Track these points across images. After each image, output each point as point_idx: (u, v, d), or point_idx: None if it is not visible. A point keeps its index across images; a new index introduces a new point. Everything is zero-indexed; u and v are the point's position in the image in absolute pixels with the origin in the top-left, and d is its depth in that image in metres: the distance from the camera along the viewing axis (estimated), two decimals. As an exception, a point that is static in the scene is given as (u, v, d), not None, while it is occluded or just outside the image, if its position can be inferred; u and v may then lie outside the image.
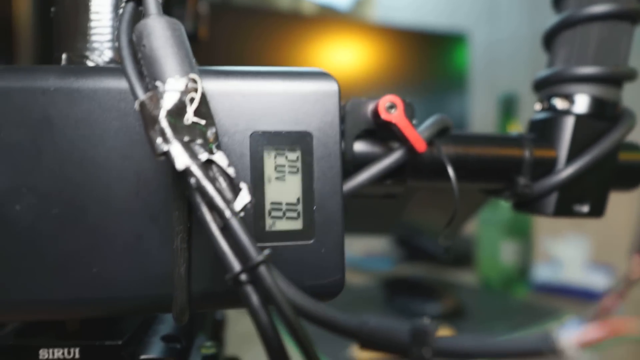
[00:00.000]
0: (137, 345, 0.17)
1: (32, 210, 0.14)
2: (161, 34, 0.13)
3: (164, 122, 0.12)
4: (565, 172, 0.20)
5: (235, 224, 0.11)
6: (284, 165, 0.15)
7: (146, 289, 0.14)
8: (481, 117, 0.97)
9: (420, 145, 0.18)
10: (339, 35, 0.89)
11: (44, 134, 0.14)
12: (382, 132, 0.19)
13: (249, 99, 0.15)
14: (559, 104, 0.22)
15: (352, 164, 0.19)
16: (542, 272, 0.76)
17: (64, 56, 0.19)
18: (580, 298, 0.66)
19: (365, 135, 0.19)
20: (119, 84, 0.14)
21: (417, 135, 0.18)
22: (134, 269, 0.14)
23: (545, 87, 0.23)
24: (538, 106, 0.23)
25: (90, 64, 0.19)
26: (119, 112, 0.14)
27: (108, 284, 0.14)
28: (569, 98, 0.22)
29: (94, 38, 0.19)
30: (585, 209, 0.21)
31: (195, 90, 0.13)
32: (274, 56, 0.76)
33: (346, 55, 0.90)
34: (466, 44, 0.91)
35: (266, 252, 0.11)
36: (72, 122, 0.14)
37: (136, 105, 0.12)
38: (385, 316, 0.58)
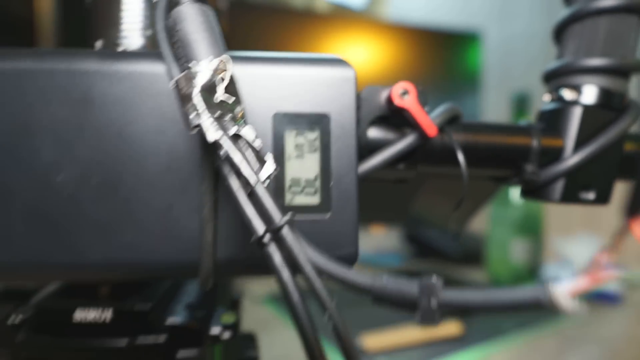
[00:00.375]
0: (164, 311, 0.18)
1: (74, 180, 0.15)
2: (194, 19, 0.14)
3: (197, 99, 0.13)
4: (572, 159, 0.21)
5: (260, 191, 0.12)
6: (303, 145, 0.16)
7: (175, 255, 0.15)
8: (494, 116, 0.97)
9: (431, 130, 0.19)
10: (352, 34, 0.90)
11: (85, 112, 0.15)
12: (395, 118, 0.20)
13: (272, 82, 0.16)
14: (567, 94, 0.22)
15: (366, 149, 0.20)
16: (553, 272, 0.76)
17: (98, 43, 0.20)
18: (591, 298, 0.66)
19: (379, 121, 0.20)
20: (153, 67, 0.16)
21: (429, 121, 0.19)
22: (165, 237, 0.15)
23: (554, 78, 0.23)
24: (547, 97, 0.24)
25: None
26: (153, 93, 0.16)
27: (140, 249, 0.15)
28: (577, 89, 0.22)
29: (125, 27, 0.20)
30: (591, 196, 0.22)
31: (225, 70, 0.14)
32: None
33: (359, 54, 0.91)
34: (479, 42, 0.91)
35: (289, 215, 0.12)
36: (110, 101, 0.15)
37: (172, 84, 0.13)
38: (397, 316, 0.59)
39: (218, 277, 0.16)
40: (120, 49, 0.20)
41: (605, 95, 0.22)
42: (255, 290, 0.66)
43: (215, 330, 0.19)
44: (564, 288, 0.09)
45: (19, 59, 0.15)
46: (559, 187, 0.22)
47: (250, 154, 0.13)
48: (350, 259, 0.16)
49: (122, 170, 0.15)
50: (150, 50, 0.18)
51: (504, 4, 1.07)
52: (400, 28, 0.95)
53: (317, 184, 0.16)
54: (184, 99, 0.13)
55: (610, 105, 0.22)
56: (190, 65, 0.14)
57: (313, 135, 0.16)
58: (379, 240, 1.09)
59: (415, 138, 0.19)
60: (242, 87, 0.16)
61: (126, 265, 0.15)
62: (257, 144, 0.13)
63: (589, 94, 0.22)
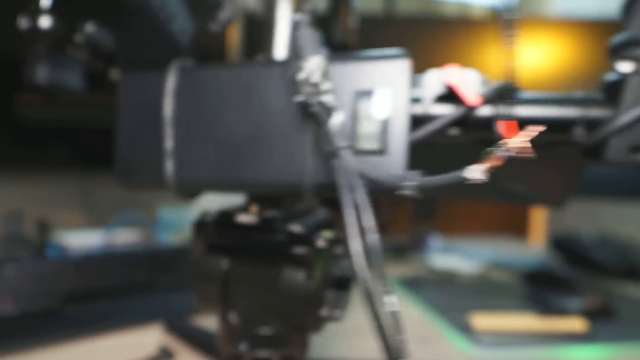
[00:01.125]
0: (288, 223, 0.29)
1: (240, 134, 0.27)
2: (305, 37, 0.24)
3: (301, 81, 0.23)
4: (618, 121, 0.24)
5: (330, 130, 0.22)
6: (371, 110, 0.25)
7: (291, 178, 0.26)
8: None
9: (471, 101, 0.25)
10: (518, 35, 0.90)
11: (248, 95, 0.27)
12: (454, 96, 0.27)
13: (353, 71, 0.25)
14: (621, 67, 0.25)
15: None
16: None
17: (259, 56, 0.32)
18: None
19: (444, 100, 0.27)
20: (282, 67, 0.26)
21: (470, 93, 0.25)
22: (285, 166, 0.26)
23: (617, 51, 0.26)
24: (610, 71, 0.26)
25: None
26: (281, 81, 0.26)
27: (273, 173, 0.26)
28: (636, 60, 0.25)
29: (277, 45, 0.32)
30: (643, 157, 0.24)
31: (318, 65, 0.23)
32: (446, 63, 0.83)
33: (528, 55, 0.89)
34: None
35: (347, 143, 0.21)
36: (260, 87, 0.27)
37: (290, 73, 0.24)
38: (521, 308, 0.59)
39: (315, 194, 0.25)
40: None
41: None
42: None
43: (316, 239, 0.28)
44: (478, 166, 0.16)
45: (218, 68, 0.28)
46: (608, 148, 0.25)
47: (329, 110, 0.22)
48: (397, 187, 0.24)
49: (264, 127, 0.26)
50: (281, 60, 0.29)
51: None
52: (566, 22, 0.91)
53: (379, 136, 0.24)
54: (294, 81, 0.23)
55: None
56: (301, 61, 0.24)
57: (378, 104, 0.25)
58: (524, 247, 1.04)
59: (460, 109, 0.25)
60: (338, 76, 0.25)
61: (264, 183, 0.26)
62: (333, 105, 0.22)
63: None
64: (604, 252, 0.79)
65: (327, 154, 0.21)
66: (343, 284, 0.32)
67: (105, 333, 0.45)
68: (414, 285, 0.67)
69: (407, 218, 1.07)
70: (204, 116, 0.28)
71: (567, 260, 0.86)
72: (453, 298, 0.61)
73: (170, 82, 0.28)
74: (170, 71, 0.29)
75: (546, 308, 0.57)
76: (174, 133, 0.28)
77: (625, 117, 0.24)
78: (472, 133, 0.27)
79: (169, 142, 0.28)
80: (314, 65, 0.23)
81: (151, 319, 0.47)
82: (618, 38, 0.26)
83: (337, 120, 0.22)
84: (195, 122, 0.28)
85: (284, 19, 0.33)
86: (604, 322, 0.54)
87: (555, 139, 0.26)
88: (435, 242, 0.98)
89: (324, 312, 0.30)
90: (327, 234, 0.29)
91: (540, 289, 0.62)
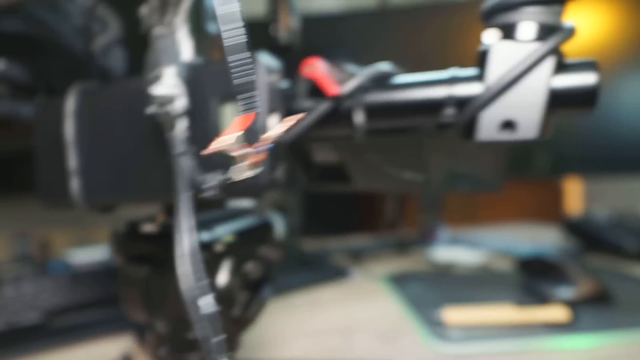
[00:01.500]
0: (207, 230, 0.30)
1: (129, 145, 0.28)
2: (159, 50, 0.25)
3: (151, 94, 0.24)
4: (482, 96, 0.23)
5: (174, 137, 0.22)
6: (235, 110, 0.25)
7: (164, 186, 0.26)
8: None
9: (331, 92, 0.24)
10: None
11: (132, 110, 0.28)
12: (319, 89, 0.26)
13: (217, 77, 0.26)
14: (490, 34, 0.23)
15: None
16: None
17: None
18: None
19: (317, 93, 0.27)
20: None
21: (330, 85, 0.24)
22: (165, 176, 0.26)
23: (488, 19, 0.24)
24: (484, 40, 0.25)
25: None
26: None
27: (156, 184, 0.27)
28: (502, 27, 0.23)
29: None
30: (516, 133, 0.23)
31: (170, 75, 0.24)
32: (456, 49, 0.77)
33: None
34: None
35: (185, 149, 0.21)
36: (136, 103, 0.28)
37: (144, 86, 0.24)
38: (511, 299, 0.56)
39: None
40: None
41: (536, 29, 0.22)
42: (377, 270, 0.73)
43: (215, 244, 0.29)
44: (242, 164, 0.16)
45: (110, 87, 0.29)
46: (479, 125, 0.23)
47: (173, 119, 0.23)
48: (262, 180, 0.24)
49: (145, 139, 0.27)
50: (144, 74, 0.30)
51: None
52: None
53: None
54: (146, 94, 0.24)
55: (542, 38, 0.22)
56: (151, 75, 0.24)
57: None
58: (537, 232, 0.98)
59: (327, 102, 0.25)
60: (203, 82, 0.26)
61: (153, 194, 0.27)
62: (179, 113, 0.23)
63: (520, 30, 0.23)
64: (620, 233, 0.73)
65: (173, 159, 0.22)
66: (256, 285, 0.32)
67: (79, 344, 0.48)
68: (402, 281, 0.65)
69: (416, 212, 1.05)
70: (101, 134, 0.29)
71: (583, 245, 0.80)
72: (440, 292, 0.59)
73: (70, 104, 0.30)
74: (70, 94, 0.30)
75: (536, 297, 0.54)
76: (77, 152, 0.30)
77: (489, 91, 0.23)
78: (343, 124, 0.26)
79: (72, 162, 0.30)
80: (163, 76, 0.24)
81: (128, 329, 0.50)
82: (486, 4, 0.24)
83: (181, 127, 0.23)
84: (95, 140, 0.30)
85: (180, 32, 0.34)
86: (598, 309, 0.50)
87: (426, 122, 0.25)
88: (444, 234, 0.95)
89: (235, 312, 0.30)
90: (229, 238, 0.30)
91: (533, 277, 0.58)
